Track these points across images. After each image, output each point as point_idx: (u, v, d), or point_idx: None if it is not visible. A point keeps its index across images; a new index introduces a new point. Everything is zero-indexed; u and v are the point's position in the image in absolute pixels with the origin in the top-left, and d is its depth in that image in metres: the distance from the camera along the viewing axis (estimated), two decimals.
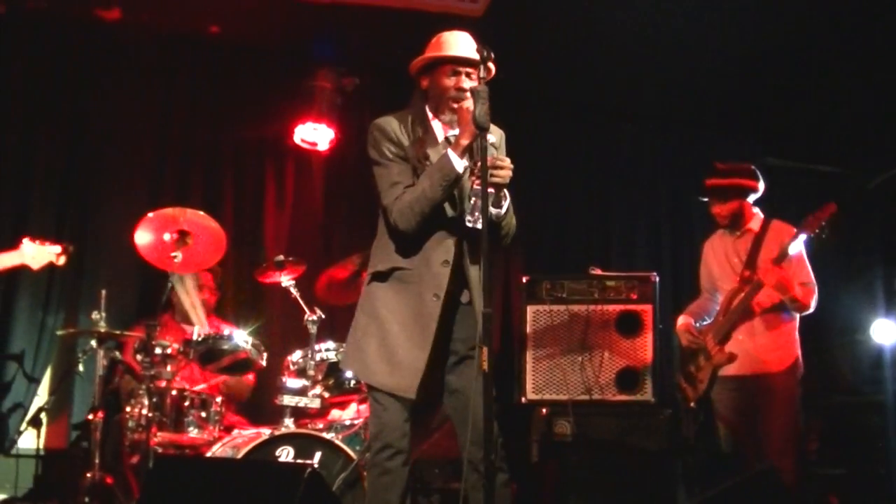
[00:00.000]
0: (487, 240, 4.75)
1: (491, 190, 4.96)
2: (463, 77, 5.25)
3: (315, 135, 9.14)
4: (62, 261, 6.26)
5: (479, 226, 4.85)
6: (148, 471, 6.53)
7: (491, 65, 5.07)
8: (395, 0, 8.59)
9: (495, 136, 5.34)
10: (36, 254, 6.16)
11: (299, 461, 6.55)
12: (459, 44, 5.31)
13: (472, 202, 5.05)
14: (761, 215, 7.19)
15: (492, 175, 4.96)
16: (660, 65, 9.14)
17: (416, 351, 5.19)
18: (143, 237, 7.33)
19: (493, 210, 5.08)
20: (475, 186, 5.01)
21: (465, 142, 5.08)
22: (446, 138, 5.32)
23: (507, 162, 5.10)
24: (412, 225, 5.19)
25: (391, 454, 5.21)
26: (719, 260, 7.25)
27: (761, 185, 7.16)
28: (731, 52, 8.89)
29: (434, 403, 5.41)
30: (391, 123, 5.36)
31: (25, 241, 6.14)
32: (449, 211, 5.22)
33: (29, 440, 7.83)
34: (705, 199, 7.22)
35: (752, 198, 7.18)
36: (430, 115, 5.39)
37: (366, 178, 8.93)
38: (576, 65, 9.25)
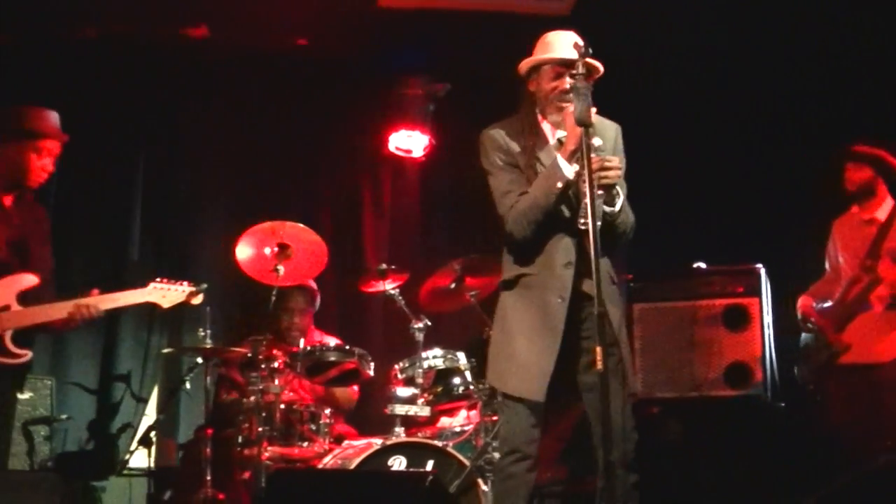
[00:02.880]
0: (598, 240, 4.71)
1: (601, 191, 4.94)
2: (567, 78, 5.19)
3: (409, 142, 9.10)
4: (198, 300, 6.29)
5: (590, 228, 4.79)
6: (264, 485, 6.52)
7: (596, 62, 5.09)
8: (480, 3, 8.53)
9: (609, 131, 5.30)
10: (167, 293, 6.18)
11: (417, 469, 6.52)
12: (562, 44, 5.27)
13: (583, 203, 5.00)
14: (891, 203, 7.02)
15: (600, 176, 4.93)
16: (750, 59, 9.01)
17: (544, 354, 5.16)
18: (243, 252, 7.35)
19: (606, 209, 5.05)
20: (584, 188, 4.96)
21: (572, 147, 5.05)
22: (558, 140, 5.27)
23: (615, 161, 5.07)
24: (527, 233, 5.19)
25: (516, 459, 5.18)
26: (844, 242, 7.11)
27: None
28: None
29: (564, 407, 5.37)
30: (499, 132, 5.36)
31: (153, 284, 6.17)
32: (566, 212, 5.17)
33: (140, 459, 7.87)
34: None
35: (890, 180, 7.01)
36: (539, 117, 5.36)
37: (464, 183, 9.13)
38: (664, 59, 9.13)
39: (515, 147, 5.31)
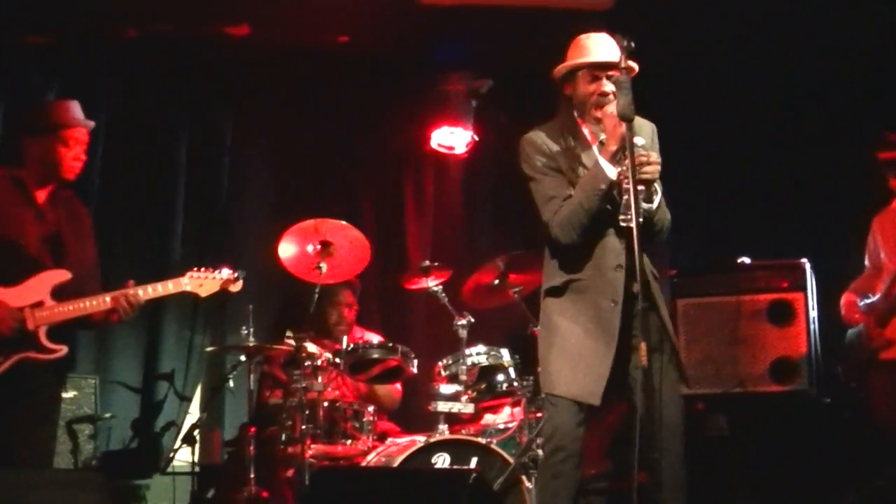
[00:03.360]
0: (640, 235, 4.73)
1: (641, 187, 4.92)
2: (604, 81, 5.19)
3: (452, 139, 9.06)
4: (237, 287, 6.28)
5: (633, 224, 4.79)
6: (308, 482, 6.51)
7: (632, 62, 5.06)
8: None
9: (646, 129, 5.29)
10: (204, 282, 6.19)
11: (460, 467, 6.50)
12: (596, 47, 5.27)
13: (623, 200, 4.96)
14: None
15: (640, 172, 4.90)
16: (795, 51, 8.93)
17: (599, 358, 5.14)
18: (286, 250, 7.35)
19: (644, 205, 5.01)
20: (625, 185, 4.93)
21: (613, 147, 5.04)
22: (600, 141, 5.24)
23: (655, 157, 5.05)
24: (573, 238, 5.16)
25: (563, 457, 5.16)
26: (885, 237, 7.03)
27: None
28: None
29: (610, 403, 5.34)
30: (540, 136, 5.34)
31: (189, 273, 6.17)
32: (611, 213, 5.13)
33: (184, 458, 7.89)
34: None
35: None
36: (578, 120, 5.33)
37: (507, 179, 9.11)
38: (706, 52, 9.06)
39: (557, 150, 5.29)
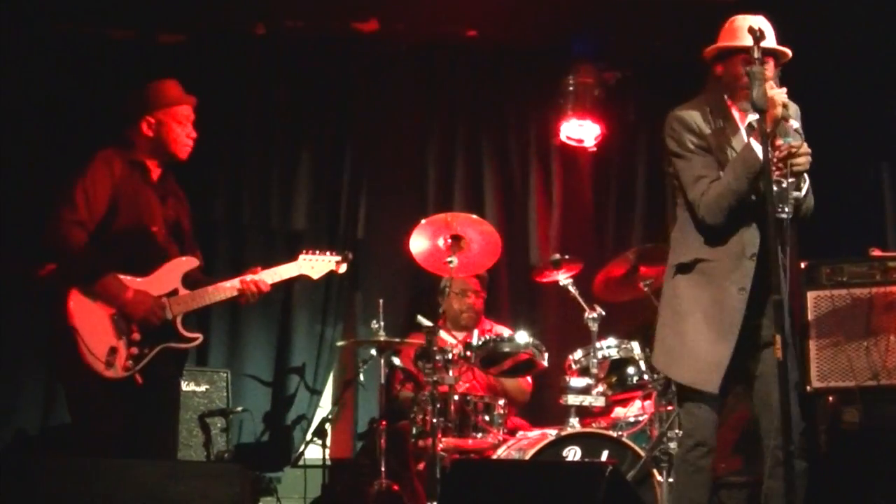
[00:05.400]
0: (788, 226, 4.77)
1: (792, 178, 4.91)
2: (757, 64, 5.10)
3: (581, 131, 8.99)
4: (343, 269, 6.32)
5: (784, 215, 4.79)
6: (441, 475, 6.52)
7: (782, 48, 5.08)
8: None
9: (793, 111, 5.18)
10: (315, 264, 6.24)
11: (595, 461, 6.47)
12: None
13: (776, 190, 4.89)
14: None
15: (792, 164, 4.89)
16: None
17: (719, 345, 5.09)
18: (417, 244, 7.37)
19: (794, 194, 4.98)
20: (775, 175, 4.89)
21: (767, 129, 4.93)
22: (749, 124, 5.20)
23: (805, 147, 4.99)
24: (720, 220, 5.12)
25: (704, 452, 5.15)
26: None
27: None
28: None
29: (739, 397, 5.29)
30: (692, 114, 5.29)
31: (302, 256, 6.23)
32: (754, 200, 5.08)
33: (315, 451, 7.96)
34: None
35: None
36: (728, 102, 5.29)
37: (636, 172, 9.05)
38: (845, 36, 8.89)
39: (706, 129, 5.24)
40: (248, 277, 5.90)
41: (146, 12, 8.41)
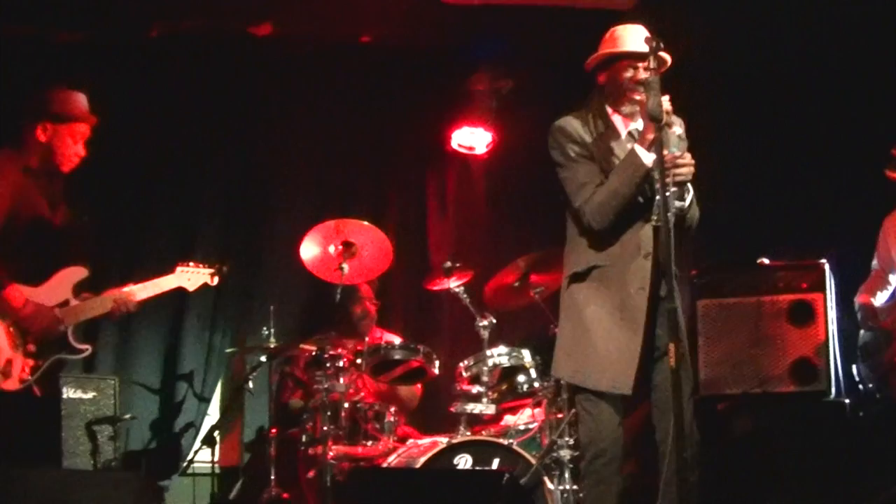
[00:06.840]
0: (671, 235, 4.72)
1: (674, 187, 4.93)
2: (641, 70, 5.17)
3: (472, 139, 9.05)
4: (216, 281, 6.33)
5: (663, 223, 4.80)
6: (338, 483, 6.51)
7: (665, 55, 5.09)
8: None
9: (677, 123, 5.24)
10: (192, 276, 6.23)
11: (491, 468, 6.45)
12: (633, 37, 5.26)
13: (657, 200, 4.94)
14: None
15: (675, 174, 4.92)
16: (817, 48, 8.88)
17: (627, 346, 5.13)
18: (308, 251, 7.34)
19: (676, 203, 4.99)
20: (657, 183, 4.92)
21: (650, 135, 5.02)
22: (629, 132, 5.28)
23: (688, 158, 5.05)
24: (606, 223, 5.15)
25: (607, 461, 5.16)
26: None
27: None
28: None
29: (635, 401, 5.31)
30: (571, 123, 5.33)
31: (179, 268, 6.21)
32: (642, 202, 5.14)
33: (204, 459, 7.87)
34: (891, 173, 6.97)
35: None
36: (609, 110, 5.34)
37: (528, 180, 9.06)
38: (726, 50, 9.03)
39: (588, 138, 5.29)
40: (117, 294, 5.86)
41: (44, 9, 8.24)
